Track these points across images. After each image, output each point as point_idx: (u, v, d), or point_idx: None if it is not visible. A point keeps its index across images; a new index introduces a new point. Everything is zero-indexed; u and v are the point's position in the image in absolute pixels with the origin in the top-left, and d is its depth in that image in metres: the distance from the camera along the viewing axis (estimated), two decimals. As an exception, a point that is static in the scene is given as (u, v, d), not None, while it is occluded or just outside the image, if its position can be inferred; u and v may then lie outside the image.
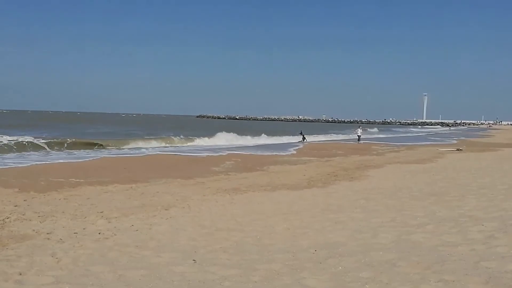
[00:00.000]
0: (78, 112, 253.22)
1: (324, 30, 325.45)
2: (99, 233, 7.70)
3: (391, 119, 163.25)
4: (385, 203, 9.85)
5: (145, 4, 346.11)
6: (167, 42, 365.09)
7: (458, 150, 29.70)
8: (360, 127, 41.13)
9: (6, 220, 8.58)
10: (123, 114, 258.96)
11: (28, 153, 22.83)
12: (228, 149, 29.13)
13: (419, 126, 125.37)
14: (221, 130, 45.74)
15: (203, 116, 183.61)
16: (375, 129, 39.46)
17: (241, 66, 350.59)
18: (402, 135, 63.99)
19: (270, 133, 49.15)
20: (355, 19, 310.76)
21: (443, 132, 79.07)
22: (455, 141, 43.87)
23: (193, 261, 5.96)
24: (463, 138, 52.31)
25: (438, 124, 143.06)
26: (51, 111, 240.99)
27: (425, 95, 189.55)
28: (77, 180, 14.06)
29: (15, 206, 10.01)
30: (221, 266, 5.72)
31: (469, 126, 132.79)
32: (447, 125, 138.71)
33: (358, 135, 38.28)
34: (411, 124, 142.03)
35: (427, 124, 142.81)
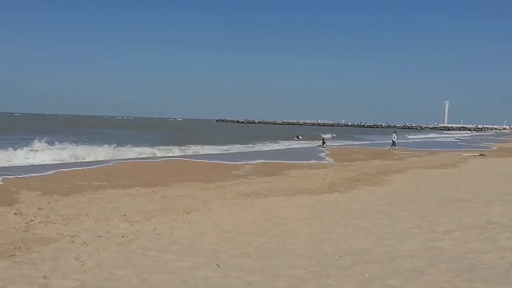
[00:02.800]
0: (106, 116, 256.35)
1: (342, 35, 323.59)
2: (123, 237, 7.74)
3: (411, 123, 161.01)
4: (409, 209, 9.66)
5: (163, 9, 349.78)
6: (186, 46, 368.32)
7: (481, 155, 29.11)
8: (395, 132, 40.71)
9: (30, 223, 8.70)
10: (139, 117, 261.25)
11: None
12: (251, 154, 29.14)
13: (443, 131, 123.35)
14: (253, 136, 45.82)
15: (222, 120, 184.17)
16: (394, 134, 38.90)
17: (260, 70, 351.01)
18: (424, 139, 63.08)
19: (289, 137, 49.10)
20: (373, 25, 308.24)
21: (465, 137, 77.61)
22: (479, 146, 43.00)
23: (217, 266, 5.93)
24: (487, 143, 51.19)
25: (459, 129, 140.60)
26: (63, 115, 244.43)
27: (446, 99, 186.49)
28: (100, 183, 14.21)
29: (39, 209, 10.16)
30: (244, 271, 5.67)
31: (491, 130, 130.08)
32: (469, 129, 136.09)
33: (393, 140, 37.85)
34: (432, 129, 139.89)
35: (449, 129, 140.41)
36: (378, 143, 49.30)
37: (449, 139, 66.47)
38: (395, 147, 36.35)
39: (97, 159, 22.75)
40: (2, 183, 13.10)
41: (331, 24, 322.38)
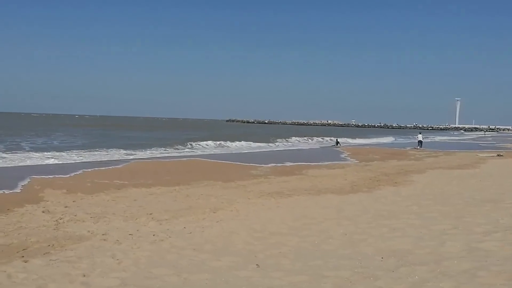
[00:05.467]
0: (120, 116, 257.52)
1: (352, 34, 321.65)
2: (154, 235, 7.68)
3: (422, 124, 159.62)
4: (439, 210, 9.49)
5: (173, 8, 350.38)
6: (195, 45, 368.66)
7: (498, 155, 28.76)
8: (421, 133, 40.47)
9: (60, 221, 8.68)
10: (150, 117, 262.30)
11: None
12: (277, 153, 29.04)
13: (454, 131, 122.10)
14: (266, 135, 45.77)
15: (233, 120, 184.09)
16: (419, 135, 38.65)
17: (268, 70, 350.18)
18: (437, 140, 62.53)
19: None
20: (383, 23, 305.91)
21: (478, 137, 76.81)
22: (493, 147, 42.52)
23: (256, 266, 5.84)
24: (503, 143, 50.58)
25: (471, 129, 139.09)
26: (78, 115, 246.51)
27: (457, 99, 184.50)
28: (122, 182, 14.21)
29: (66, 207, 10.15)
30: (285, 271, 5.57)
31: (503, 131, 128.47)
32: (481, 130, 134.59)
33: (419, 140, 37.56)
34: (443, 129, 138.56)
35: (460, 130, 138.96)
36: (392, 143, 49.02)
37: (462, 140, 65.84)
38: (421, 148, 36.09)
39: (114, 159, 22.78)
40: (29, 181, 13.16)
41: (339, 24, 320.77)
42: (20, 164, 18.93)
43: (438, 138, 70.15)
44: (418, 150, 34.86)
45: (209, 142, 35.74)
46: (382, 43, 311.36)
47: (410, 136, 64.23)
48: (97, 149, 27.22)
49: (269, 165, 21.02)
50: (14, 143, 31.55)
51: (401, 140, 57.31)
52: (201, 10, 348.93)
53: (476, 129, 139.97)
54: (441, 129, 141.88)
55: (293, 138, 48.00)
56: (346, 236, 7.35)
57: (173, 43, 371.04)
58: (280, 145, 40.50)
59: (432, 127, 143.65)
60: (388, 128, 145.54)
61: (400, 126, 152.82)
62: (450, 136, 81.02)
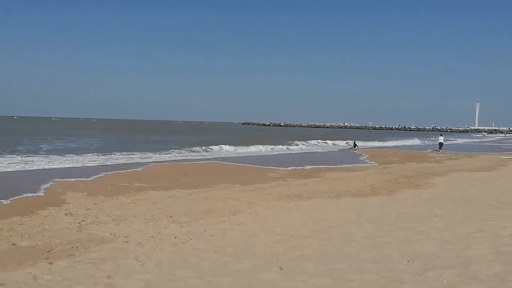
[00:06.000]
0: (137, 120, 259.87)
1: (368, 36, 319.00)
2: (175, 238, 7.70)
3: (440, 126, 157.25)
4: (463, 213, 9.31)
5: (192, 11, 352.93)
6: (211, 48, 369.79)
7: (521, 158, 28.18)
8: (442, 135, 39.85)
9: (82, 223, 8.77)
10: (162, 120, 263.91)
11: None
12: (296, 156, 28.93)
13: (474, 133, 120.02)
14: (283, 138, 45.58)
15: (249, 123, 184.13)
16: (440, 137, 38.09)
17: (284, 72, 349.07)
18: (459, 142, 61.60)
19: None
20: (400, 25, 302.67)
21: (499, 139, 75.45)
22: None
23: (279, 269, 5.79)
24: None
25: (491, 131, 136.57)
26: (95, 119, 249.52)
27: (477, 101, 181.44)
28: (141, 185, 14.31)
29: (87, 209, 10.26)
30: (309, 274, 5.51)
31: None
32: (501, 132, 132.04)
33: (440, 142, 37.09)
34: (463, 132, 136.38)
35: (480, 132, 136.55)
36: (410, 146, 48.41)
37: (483, 142, 64.70)
38: (441, 150, 35.61)
39: (132, 162, 22.99)
40: (51, 184, 13.35)
41: (356, 26, 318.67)
42: (40, 167, 19.24)
43: (461, 140, 69.05)
44: (439, 152, 34.37)
45: (226, 146, 35.74)
46: (399, 44, 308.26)
47: (432, 138, 63.27)
48: (115, 153, 27.56)
49: (287, 168, 20.95)
50: (35, 146, 32.12)
51: (424, 142, 56.56)
52: (220, 13, 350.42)
53: (496, 131, 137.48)
54: (460, 131, 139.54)
55: (310, 141, 47.74)
56: (369, 239, 7.25)
57: (189, 46, 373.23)
58: (297, 147, 40.34)
59: (452, 129, 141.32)
60: (406, 130, 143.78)
61: (419, 128, 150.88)
62: (471, 138, 79.61)
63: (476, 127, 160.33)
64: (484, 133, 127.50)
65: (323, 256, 6.41)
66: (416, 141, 57.34)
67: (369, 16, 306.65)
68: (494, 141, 67.14)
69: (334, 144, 47.17)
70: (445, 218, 8.77)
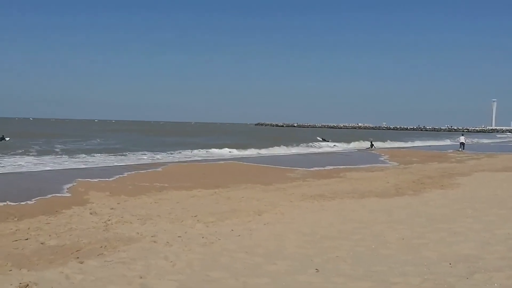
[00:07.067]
0: (151, 121, 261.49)
1: (380, 35, 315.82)
2: (203, 237, 7.56)
3: (456, 126, 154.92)
4: (497, 213, 9.00)
5: (203, 14, 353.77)
6: (223, 50, 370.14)
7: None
8: (463, 134, 39.34)
9: (108, 222, 8.69)
10: (175, 122, 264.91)
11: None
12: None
13: (491, 133, 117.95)
14: (303, 138, 45.25)
15: (262, 124, 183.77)
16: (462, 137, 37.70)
17: (297, 73, 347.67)
18: (482, 142, 60.59)
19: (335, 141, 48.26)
20: (413, 24, 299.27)
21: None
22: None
23: (316, 271, 5.60)
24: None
25: (510, 131, 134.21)
26: (113, 120, 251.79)
27: (494, 101, 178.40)
28: (161, 184, 14.24)
29: (111, 209, 10.19)
30: (347, 277, 5.31)
31: None
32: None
33: (461, 142, 36.54)
34: (480, 131, 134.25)
35: (498, 131, 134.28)
36: (429, 146, 47.72)
37: (502, 142, 63.54)
38: (463, 150, 35.09)
39: (151, 162, 23.03)
40: (74, 184, 13.36)
41: (366, 25, 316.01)
42: (61, 167, 19.31)
43: (486, 140, 67.79)
44: (459, 152, 33.81)
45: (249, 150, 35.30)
46: (412, 44, 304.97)
47: (450, 139, 62.27)
48: (134, 153, 27.69)
49: (306, 168, 20.74)
50: (52, 147, 32.37)
51: (447, 142, 55.66)
52: (230, 15, 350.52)
53: (510, 132, 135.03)
54: (477, 131, 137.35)
55: (324, 142, 47.33)
56: (404, 241, 7.02)
57: (201, 48, 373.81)
58: (313, 148, 40.03)
59: (468, 129, 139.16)
60: (422, 130, 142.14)
61: (434, 129, 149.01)
62: (494, 139, 77.87)
63: (493, 127, 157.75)
64: (508, 133, 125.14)
65: (359, 257, 6.20)
66: (438, 142, 56.46)
67: (383, 15, 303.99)
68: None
69: (349, 145, 46.63)
70: (479, 218, 8.48)
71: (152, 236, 7.62)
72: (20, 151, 26.80)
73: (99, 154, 26.21)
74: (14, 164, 19.85)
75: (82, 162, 21.88)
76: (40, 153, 26.44)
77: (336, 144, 43.52)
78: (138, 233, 7.84)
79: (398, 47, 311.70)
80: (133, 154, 26.84)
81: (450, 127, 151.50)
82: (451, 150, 36.49)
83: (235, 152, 30.91)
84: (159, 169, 18.89)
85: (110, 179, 15.05)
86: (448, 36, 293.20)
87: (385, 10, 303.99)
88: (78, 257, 6.20)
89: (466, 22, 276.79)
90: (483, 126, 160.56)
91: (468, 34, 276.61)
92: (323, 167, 21.51)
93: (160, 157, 25.99)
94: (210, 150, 30.92)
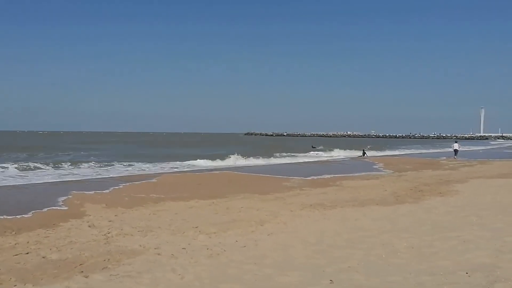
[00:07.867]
0: (140, 132, 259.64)
1: (368, 43, 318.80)
2: (207, 249, 7.37)
3: (445, 133, 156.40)
4: (504, 220, 8.95)
5: (192, 21, 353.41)
6: (212, 58, 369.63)
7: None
8: (457, 142, 39.44)
9: (108, 235, 8.45)
10: (164, 133, 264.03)
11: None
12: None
13: (494, 140, 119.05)
14: (295, 147, 45.23)
15: (251, 134, 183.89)
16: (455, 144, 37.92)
17: (285, 81, 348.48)
18: (474, 149, 61.14)
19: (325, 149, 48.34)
20: (400, 32, 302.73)
21: (508, 146, 74.92)
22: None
23: (330, 282, 5.45)
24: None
25: (498, 138, 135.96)
26: (103, 132, 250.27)
27: (482, 108, 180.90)
28: (158, 195, 14.00)
29: (109, 221, 9.94)
30: None
31: None
32: (510, 138, 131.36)
33: (455, 149, 36.67)
34: (468, 139, 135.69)
35: (486, 138, 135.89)
36: (419, 153, 48.00)
37: (490, 149, 64.22)
38: (456, 157, 35.26)
39: (144, 173, 22.77)
40: (69, 197, 13.06)
41: (359, 32, 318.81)
42: (52, 180, 18.98)
43: (482, 147, 68.36)
44: (452, 159, 34.00)
45: (234, 156, 35.27)
46: (400, 53, 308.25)
47: (442, 146, 62.76)
48: (129, 163, 27.53)
49: (301, 177, 20.62)
50: (53, 159, 31.79)
51: (437, 149, 56.05)
52: (218, 24, 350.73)
53: (503, 138, 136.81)
54: (466, 138, 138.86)
55: (317, 151, 47.39)
56: (414, 250, 6.90)
57: (190, 56, 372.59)
58: (306, 157, 40.00)
59: (456, 136, 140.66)
60: (410, 138, 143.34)
61: (423, 136, 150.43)
62: (487, 146, 78.56)
63: (482, 134, 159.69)
64: (500, 140, 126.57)
65: (371, 267, 6.06)
66: (428, 150, 56.88)
67: (367, 24, 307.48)
68: (502, 148, 66.65)
69: (340, 153, 46.76)
70: (487, 226, 8.41)
71: (155, 248, 7.41)
72: (9, 164, 26.19)
73: (87, 165, 26.00)
74: (4, 177, 19.44)
75: (70, 174, 21.58)
76: (27, 167, 25.64)
77: (319, 152, 45.24)
78: (140, 245, 7.62)
79: (386, 56, 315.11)
80: (128, 165, 26.59)
81: (438, 134, 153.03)
82: (444, 158, 36.70)
83: (231, 161, 30.91)
84: (154, 180, 18.61)
85: (106, 191, 14.75)
86: (435, 43, 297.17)
87: (372, 19, 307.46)
88: (82, 271, 5.98)
89: (453, 30, 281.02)
90: (471, 133, 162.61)
91: (455, 41, 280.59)
92: (319, 175, 21.39)
93: (152, 167, 25.74)
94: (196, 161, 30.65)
